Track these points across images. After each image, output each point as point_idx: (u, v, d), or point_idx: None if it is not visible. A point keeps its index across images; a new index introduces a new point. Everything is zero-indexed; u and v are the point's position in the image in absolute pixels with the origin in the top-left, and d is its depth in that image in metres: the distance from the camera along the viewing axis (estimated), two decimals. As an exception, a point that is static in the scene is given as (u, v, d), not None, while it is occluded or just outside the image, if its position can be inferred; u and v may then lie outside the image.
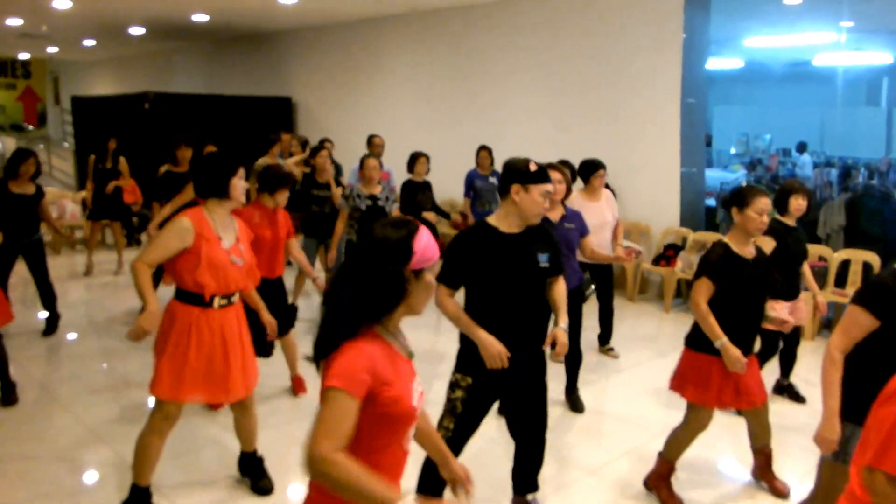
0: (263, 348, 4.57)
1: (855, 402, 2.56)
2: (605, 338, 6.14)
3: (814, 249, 7.07)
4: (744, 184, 4.13)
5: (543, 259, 3.13)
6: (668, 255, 7.70)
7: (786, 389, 5.32)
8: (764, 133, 12.34)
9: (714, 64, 10.51)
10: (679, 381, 3.65)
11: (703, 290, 3.45)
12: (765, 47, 11.57)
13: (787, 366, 5.27)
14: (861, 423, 1.92)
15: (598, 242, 5.30)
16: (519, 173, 3.05)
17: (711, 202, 8.92)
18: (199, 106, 12.16)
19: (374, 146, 8.25)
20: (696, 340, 3.56)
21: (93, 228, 9.01)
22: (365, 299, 1.80)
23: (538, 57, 9.17)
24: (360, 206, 5.99)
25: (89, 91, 18.65)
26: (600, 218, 5.60)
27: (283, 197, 4.69)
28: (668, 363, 3.97)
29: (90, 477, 3.96)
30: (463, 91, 10.16)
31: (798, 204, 4.70)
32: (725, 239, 3.56)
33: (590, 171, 5.71)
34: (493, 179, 7.91)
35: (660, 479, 3.78)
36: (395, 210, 6.26)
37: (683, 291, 7.72)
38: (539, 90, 9.21)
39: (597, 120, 8.58)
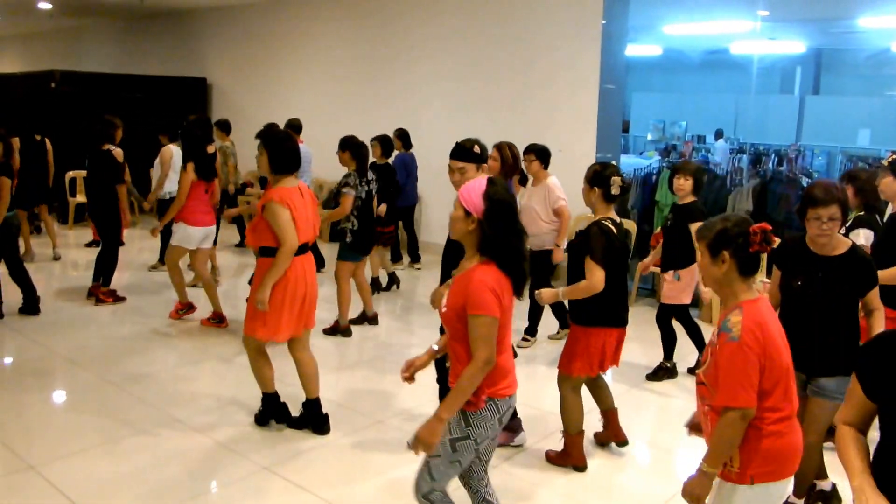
0: None
1: None
2: (528, 329, 6.03)
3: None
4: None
5: None
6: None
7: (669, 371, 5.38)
8: (680, 120, 12.59)
9: (633, 51, 10.61)
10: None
11: None
12: (683, 35, 11.74)
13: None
14: None
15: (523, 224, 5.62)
16: None
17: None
18: (109, 85, 11.63)
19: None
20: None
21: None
22: None
23: (456, 40, 9.09)
24: (362, 195, 5.89)
25: (-5, 69, 17.67)
26: (526, 201, 5.74)
27: None
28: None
29: None
30: (379, 74, 10.00)
31: (678, 184, 5.03)
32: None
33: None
34: None
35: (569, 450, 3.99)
36: (347, 197, 5.80)
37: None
38: (456, 73, 9.14)
39: (514, 105, 8.56)
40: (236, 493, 3.69)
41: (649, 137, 12.52)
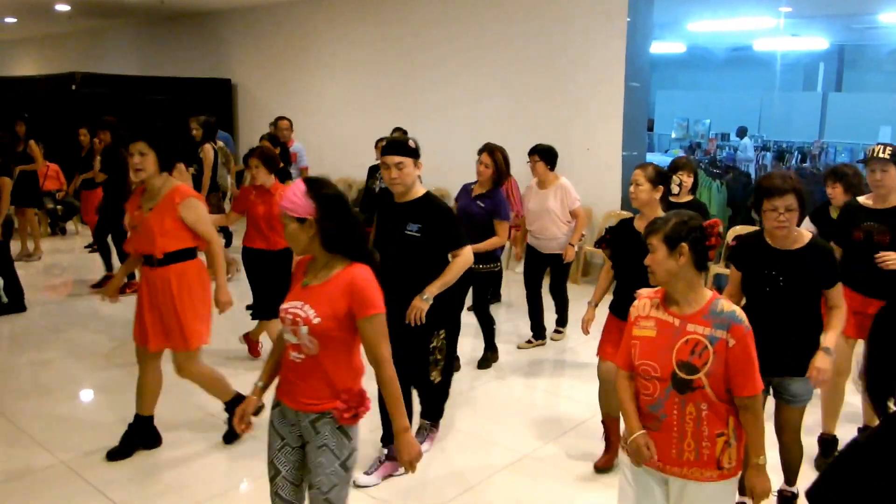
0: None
1: None
2: (559, 321, 6.14)
3: (748, 231, 7.13)
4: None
5: (413, 228, 3.56)
6: (609, 237, 7.67)
7: None
8: (704, 118, 12.52)
9: (657, 48, 10.55)
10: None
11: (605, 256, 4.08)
12: (707, 32, 11.67)
13: None
14: None
15: (538, 227, 5.72)
16: None
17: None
18: (131, 87, 11.66)
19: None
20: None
21: None
22: None
23: (481, 40, 9.05)
24: None
25: (13, 72, 17.77)
26: (540, 204, 5.71)
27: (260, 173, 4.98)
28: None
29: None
30: (405, 72, 9.99)
31: (682, 180, 4.89)
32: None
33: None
34: None
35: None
36: None
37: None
38: (481, 73, 9.10)
39: (539, 103, 8.52)
40: (261, 489, 3.69)
41: (674, 136, 12.47)
